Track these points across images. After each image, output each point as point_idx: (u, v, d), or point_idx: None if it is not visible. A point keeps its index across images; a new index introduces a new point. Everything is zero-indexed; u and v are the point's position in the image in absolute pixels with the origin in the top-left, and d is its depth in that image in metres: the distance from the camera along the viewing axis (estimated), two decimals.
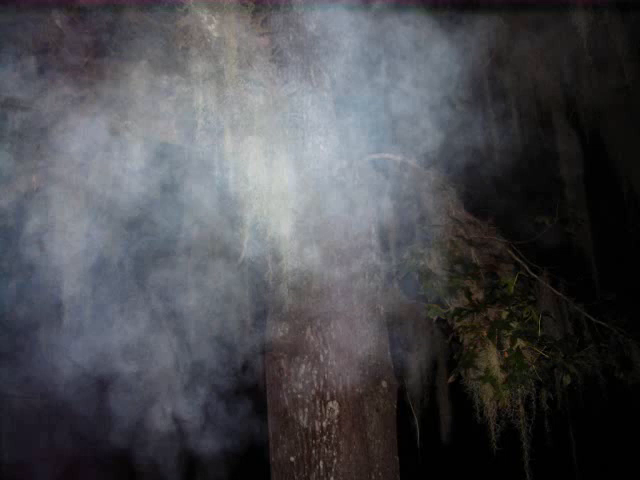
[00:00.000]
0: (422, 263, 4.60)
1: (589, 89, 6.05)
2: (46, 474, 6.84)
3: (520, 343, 4.10)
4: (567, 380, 4.17)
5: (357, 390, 4.13)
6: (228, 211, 4.56)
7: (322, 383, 4.06)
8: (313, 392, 4.05)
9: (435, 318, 4.49)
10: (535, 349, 4.14)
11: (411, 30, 5.04)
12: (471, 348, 4.21)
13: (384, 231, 5.11)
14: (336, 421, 3.99)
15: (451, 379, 4.38)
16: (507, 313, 4.22)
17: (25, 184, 4.44)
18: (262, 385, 4.52)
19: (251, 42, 4.16)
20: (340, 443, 3.96)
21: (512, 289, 4.28)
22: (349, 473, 3.92)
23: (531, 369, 4.03)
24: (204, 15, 4.01)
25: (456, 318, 4.34)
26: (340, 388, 4.06)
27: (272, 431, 4.17)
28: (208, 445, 6.22)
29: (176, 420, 6.33)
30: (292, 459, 3.99)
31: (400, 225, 5.28)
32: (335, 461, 3.92)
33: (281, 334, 4.22)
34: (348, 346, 4.16)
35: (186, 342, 6.26)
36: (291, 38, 4.55)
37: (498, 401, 4.12)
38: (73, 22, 4.39)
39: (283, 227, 3.98)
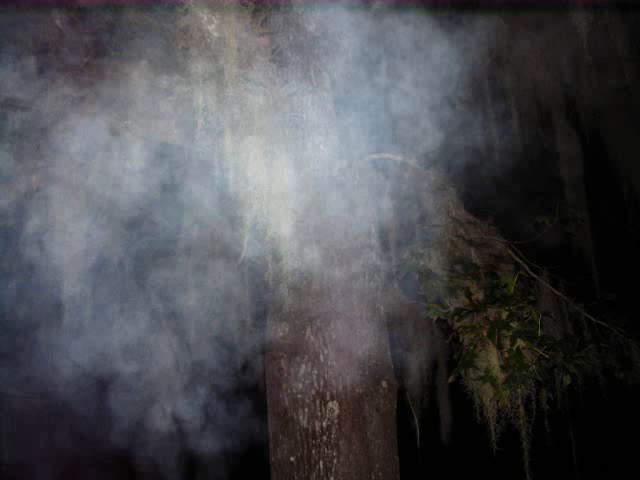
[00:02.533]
0: (422, 263, 4.60)
1: (589, 89, 6.05)
2: (46, 474, 6.84)
3: (520, 343, 4.10)
4: (567, 380, 4.17)
5: (357, 390, 4.13)
6: (228, 211, 4.56)
7: (322, 383, 4.06)
8: (313, 392, 4.05)
9: (435, 318, 4.49)
10: (535, 349, 4.14)
11: (411, 30, 5.04)
12: (471, 348, 4.21)
13: (384, 231, 5.11)
14: (336, 421, 3.99)
15: (451, 379, 4.37)
16: (507, 313, 4.22)
17: (25, 184, 4.44)
18: (262, 385, 4.52)
19: (251, 42, 4.16)
20: (340, 443, 3.96)
21: (512, 289, 4.28)
22: (349, 473, 3.92)
23: (531, 369, 4.03)
24: (204, 15, 4.01)
25: (456, 318, 4.34)
26: (340, 388, 4.06)
27: (272, 431, 4.17)
28: (208, 445, 6.22)
29: (176, 420, 6.33)
30: (292, 459, 3.99)
31: (400, 225, 5.28)
32: (335, 461, 3.92)
33: (281, 334, 4.22)
34: (348, 346, 4.16)
35: (186, 342, 6.26)
36: (291, 38, 4.55)
37: (498, 401, 4.12)
38: (73, 22, 4.39)
39: (283, 227, 3.98)
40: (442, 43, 5.07)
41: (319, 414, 4.00)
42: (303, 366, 4.10)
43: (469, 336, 4.27)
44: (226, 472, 6.92)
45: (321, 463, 3.92)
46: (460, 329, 4.36)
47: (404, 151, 5.01)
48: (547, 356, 4.13)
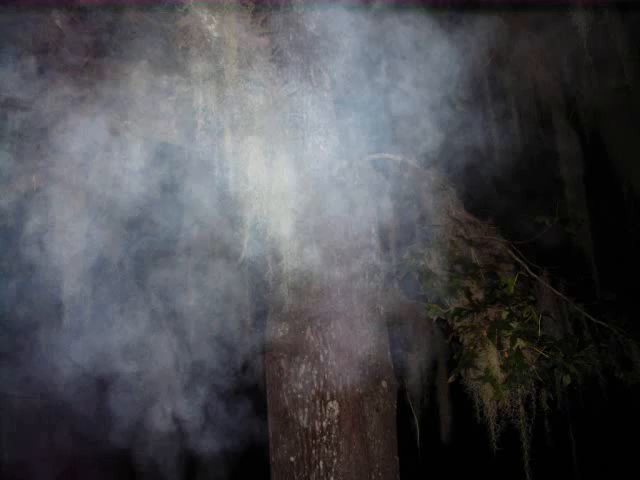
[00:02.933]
0: (422, 263, 4.60)
1: (589, 89, 6.05)
2: (46, 474, 6.84)
3: (520, 343, 4.10)
4: (567, 380, 4.17)
5: (357, 390, 4.13)
6: (228, 211, 4.56)
7: (322, 383, 4.06)
8: (313, 392, 4.04)
9: (435, 318, 4.49)
10: (535, 349, 4.14)
11: (411, 30, 5.04)
12: (471, 348, 4.21)
13: (384, 231, 5.11)
14: (336, 421, 3.99)
15: (451, 379, 4.37)
16: (507, 313, 4.22)
17: (25, 184, 4.44)
18: (262, 385, 4.52)
19: (251, 42, 4.16)
20: (340, 443, 3.96)
21: (512, 289, 4.28)
22: (349, 473, 3.92)
23: (531, 369, 4.03)
24: (204, 15, 4.01)
25: (456, 318, 4.34)
26: (340, 388, 4.06)
27: (272, 431, 4.17)
28: (208, 445, 6.22)
29: (176, 420, 6.33)
30: (292, 459, 3.99)
31: (400, 225, 5.28)
32: (335, 461, 3.92)
33: (281, 334, 4.22)
34: (348, 346, 4.16)
35: (186, 342, 6.26)
36: (291, 38, 4.55)
37: (498, 401, 4.12)
38: (73, 22, 4.39)
39: (283, 227, 3.98)
40: (442, 43, 5.07)
41: (319, 414, 4.00)
42: (303, 366, 4.10)
43: (469, 336, 4.28)
44: (226, 472, 6.92)
45: (321, 463, 3.92)
46: (460, 329, 4.36)
47: (404, 151, 5.01)
48: (547, 356, 4.13)
